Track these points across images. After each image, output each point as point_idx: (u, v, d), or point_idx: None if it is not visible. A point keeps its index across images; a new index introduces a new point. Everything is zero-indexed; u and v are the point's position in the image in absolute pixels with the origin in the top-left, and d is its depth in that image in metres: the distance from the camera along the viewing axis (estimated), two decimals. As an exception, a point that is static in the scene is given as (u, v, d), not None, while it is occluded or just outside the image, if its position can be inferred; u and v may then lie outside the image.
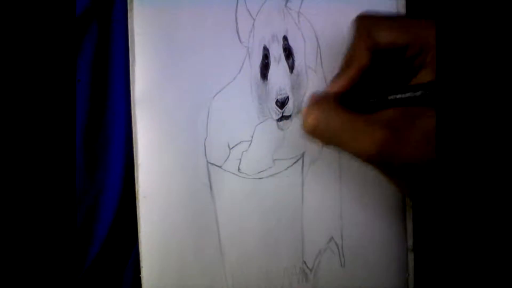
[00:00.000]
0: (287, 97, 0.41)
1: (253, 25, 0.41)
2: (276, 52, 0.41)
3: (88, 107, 0.43)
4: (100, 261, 0.43)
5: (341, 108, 0.33)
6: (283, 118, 0.42)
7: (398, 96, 0.32)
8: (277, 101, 0.41)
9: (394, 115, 0.32)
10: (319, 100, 0.34)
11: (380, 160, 0.31)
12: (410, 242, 0.44)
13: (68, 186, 0.31)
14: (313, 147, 0.42)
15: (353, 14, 0.36)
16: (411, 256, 0.44)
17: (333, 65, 0.42)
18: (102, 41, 0.43)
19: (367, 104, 0.33)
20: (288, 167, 0.42)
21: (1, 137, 0.30)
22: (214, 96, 0.41)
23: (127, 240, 0.43)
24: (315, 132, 0.33)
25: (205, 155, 0.41)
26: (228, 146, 0.41)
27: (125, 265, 0.44)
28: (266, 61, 0.41)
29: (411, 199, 0.43)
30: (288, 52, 0.41)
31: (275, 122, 0.42)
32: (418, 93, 0.32)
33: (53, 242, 0.31)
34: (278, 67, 0.41)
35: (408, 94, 0.32)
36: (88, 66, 0.43)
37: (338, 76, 0.35)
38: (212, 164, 0.41)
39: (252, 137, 0.41)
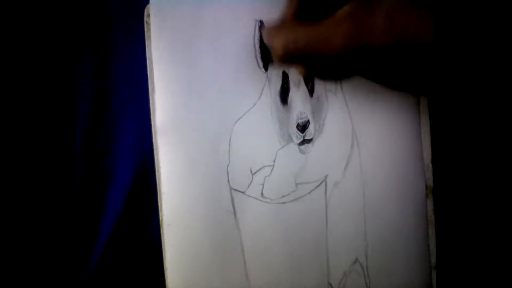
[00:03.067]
0: (308, 121, 0.41)
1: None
2: (295, 76, 0.41)
3: (90, 109, 0.43)
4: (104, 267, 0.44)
5: (301, 22, 0.34)
6: (304, 142, 0.42)
7: None
8: (298, 125, 0.41)
9: (350, 8, 0.33)
10: (280, 23, 0.36)
11: (355, 51, 0.32)
12: (433, 260, 0.44)
13: (68, 187, 0.32)
14: (336, 170, 0.42)
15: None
16: (434, 274, 0.44)
17: (352, 87, 0.42)
18: (103, 42, 0.44)
19: (321, 12, 0.34)
20: (311, 191, 0.42)
21: (5, 140, 0.30)
22: (235, 122, 0.41)
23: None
24: (286, 52, 0.34)
25: (228, 181, 0.41)
26: (251, 171, 0.41)
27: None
28: (285, 86, 0.41)
29: (410, 92, 0.43)
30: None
31: (296, 146, 0.42)
32: None
33: (54, 245, 0.31)
34: (297, 92, 0.41)
35: None
36: (90, 68, 0.43)
37: None
38: (235, 190, 0.41)
39: (274, 161, 0.41)
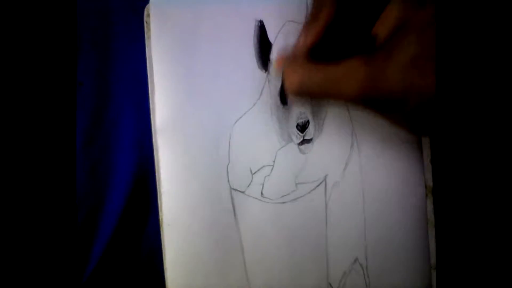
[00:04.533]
0: (308, 121, 0.41)
1: (271, 50, 0.41)
2: (296, 76, 0.41)
3: (90, 109, 0.43)
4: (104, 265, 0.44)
5: (316, 62, 0.35)
6: (304, 141, 0.42)
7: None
8: (297, 125, 0.41)
9: (368, 55, 0.33)
10: (294, 59, 0.36)
11: (367, 98, 0.33)
12: (432, 260, 0.44)
13: (68, 187, 0.32)
14: (336, 170, 0.42)
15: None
16: (433, 275, 0.45)
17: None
18: (103, 41, 0.44)
19: (338, 54, 0.34)
20: (311, 191, 0.42)
21: (4, 139, 0.30)
22: (235, 122, 0.41)
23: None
24: (300, 90, 0.35)
25: (228, 181, 0.41)
26: (251, 171, 0.41)
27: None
28: (285, 85, 0.41)
29: (412, 131, 0.43)
30: (307, 76, 0.41)
31: (296, 146, 0.42)
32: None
33: (53, 245, 0.31)
34: (297, 91, 0.41)
35: None
36: (89, 68, 0.43)
37: (306, 30, 0.36)
38: (235, 190, 0.41)
39: (274, 161, 0.41)
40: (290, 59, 0.37)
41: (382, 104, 0.34)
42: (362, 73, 0.33)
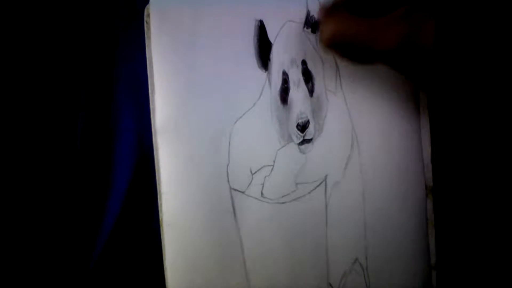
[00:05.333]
0: (308, 121, 0.41)
1: (271, 50, 0.41)
2: (296, 76, 0.41)
3: (90, 109, 0.43)
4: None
5: (352, 16, 0.37)
6: (304, 141, 0.42)
7: None
8: (297, 125, 0.41)
9: (406, 11, 0.35)
10: (331, 12, 0.38)
11: (399, 53, 0.35)
12: (432, 260, 0.44)
13: (69, 187, 0.32)
14: (336, 169, 0.42)
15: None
16: (433, 274, 0.44)
17: (353, 87, 0.42)
18: (103, 41, 0.44)
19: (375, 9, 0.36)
20: (311, 191, 0.42)
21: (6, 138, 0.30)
22: (235, 122, 0.41)
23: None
24: (335, 38, 0.37)
25: (228, 181, 0.41)
26: (251, 171, 0.41)
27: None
28: (285, 85, 0.41)
29: (423, 89, 0.44)
30: (307, 76, 0.41)
31: (296, 146, 0.42)
32: None
33: (54, 245, 0.31)
34: (297, 91, 0.41)
35: None
36: (89, 68, 0.43)
37: None
38: (235, 190, 0.41)
39: (274, 161, 0.41)
40: (327, 14, 0.38)
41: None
42: (401, 27, 0.35)
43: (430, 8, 0.35)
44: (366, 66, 0.41)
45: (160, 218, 0.41)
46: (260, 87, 0.41)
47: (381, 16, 0.36)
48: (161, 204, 0.41)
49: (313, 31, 0.41)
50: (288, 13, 0.41)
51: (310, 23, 0.41)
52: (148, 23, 0.40)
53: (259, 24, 0.40)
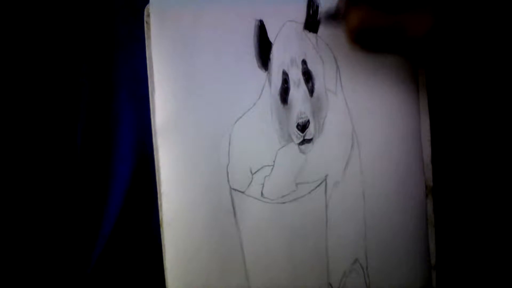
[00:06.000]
0: (308, 121, 0.41)
1: (271, 50, 0.41)
2: (296, 76, 0.41)
3: (90, 109, 0.43)
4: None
5: (376, 11, 0.37)
6: (304, 141, 0.42)
7: None
8: (298, 125, 0.41)
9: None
10: (356, 4, 0.38)
11: (424, 41, 0.36)
12: (433, 260, 0.44)
13: (69, 187, 0.32)
14: (336, 170, 0.42)
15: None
16: (433, 274, 0.44)
17: (353, 87, 0.42)
18: (103, 41, 0.43)
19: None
20: (311, 191, 0.42)
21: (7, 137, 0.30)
22: (235, 122, 0.41)
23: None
24: (362, 29, 0.38)
25: (228, 181, 0.41)
26: (251, 171, 0.41)
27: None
28: (285, 85, 0.41)
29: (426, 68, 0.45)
30: (307, 76, 0.41)
31: (296, 146, 0.42)
32: None
33: (55, 245, 0.31)
34: (298, 91, 0.41)
35: None
36: (90, 68, 0.43)
37: None
38: (235, 190, 0.41)
39: (274, 161, 0.41)
40: (351, 4, 0.38)
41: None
42: (426, 19, 0.36)
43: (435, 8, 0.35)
44: (378, 56, 0.42)
45: (160, 218, 0.41)
46: (260, 87, 0.41)
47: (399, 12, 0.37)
48: (161, 204, 0.41)
49: (313, 31, 0.41)
50: (288, 13, 0.41)
51: (310, 25, 0.41)
52: (148, 23, 0.40)
53: (259, 24, 0.40)
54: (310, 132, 0.41)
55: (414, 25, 0.36)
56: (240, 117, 0.41)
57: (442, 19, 0.33)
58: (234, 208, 0.41)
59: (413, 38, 0.36)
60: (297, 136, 0.41)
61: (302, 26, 0.41)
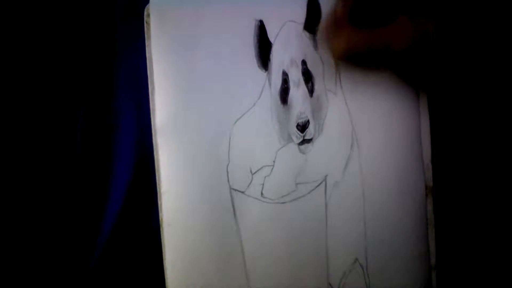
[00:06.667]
0: (308, 121, 0.41)
1: (271, 50, 0.41)
2: (295, 76, 0.41)
3: (90, 109, 0.43)
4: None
5: (357, 28, 0.37)
6: (304, 141, 0.42)
7: None
8: (297, 125, 0.41)
9: (407, 18, 0.36)
10: (338, 27, 0.38)
11: (410, 53, 0.37)
12: (433, 260, 0.44)
13: (69, 187, 0.32)
14: (336, 170, 0.42)
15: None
16: (433, 275, 0.44)
17: (352, 87, 0.42)
18: (103, 41, 0.44)
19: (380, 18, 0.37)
20: (311, 191, 0.42)
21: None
22: (235, 122, 0.41)
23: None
24: (348, 53, 0.38)
25: (228, 181, 0.41)
26: (251, 171, 0.41)
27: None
28: (285, 85, 0.41)
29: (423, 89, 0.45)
30: (307, 76, 0.41)
31: (296, 146, 0.42)
32: None
33: (54, 246, 0.31)
34: (297, 91, 0.41)
35: None
36: (89, 68, 0.43)
37: None
38: (235, 190, 0.41)
39: (274, 161, 0.41)
40: (333, 26, 0.39)
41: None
42: (407, 33, 0.36)
43: (429, 12, 0.35)
44: (372, 71, 0.42)
45: (160, 218, 0.41)
46: (260, 87, 0.41)
47: (382, 26, 0.37)
48: (161, 204, 0.41)
49: (313, 32, 0.41)
50: (288, 13, 0.41)
51: (310, 25, 0.41)
52: (148, 23, 0.40)
53: (259, 24, 0.40)
54: (310, 132, 0.42)
55: (399, 37, 0.36)
56: (240, 117, 0.41)
57: (440, 21, 0.33)
58: (234, 208, 0.41)
59: (400, 51, 0.37)
60: (297, 136, 0.41)
61: (302, 26, 0.41)
